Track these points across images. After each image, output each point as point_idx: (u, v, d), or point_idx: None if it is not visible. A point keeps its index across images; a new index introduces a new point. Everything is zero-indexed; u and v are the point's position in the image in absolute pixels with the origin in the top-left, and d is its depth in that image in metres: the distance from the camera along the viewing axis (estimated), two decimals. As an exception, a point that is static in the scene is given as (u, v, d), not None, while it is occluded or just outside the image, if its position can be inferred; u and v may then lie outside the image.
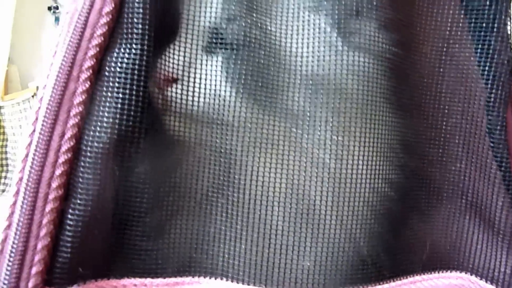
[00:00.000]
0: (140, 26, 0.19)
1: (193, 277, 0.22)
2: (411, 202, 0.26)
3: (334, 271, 0.23)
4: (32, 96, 1.29)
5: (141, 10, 0.19)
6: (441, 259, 0.25)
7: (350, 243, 0.23)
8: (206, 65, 0.22)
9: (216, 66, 0.22)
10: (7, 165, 1.56)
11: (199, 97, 0.22)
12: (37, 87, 1.30)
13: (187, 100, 0.21)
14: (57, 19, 2.01)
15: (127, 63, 0.19)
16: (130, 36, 0.19)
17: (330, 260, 0.23)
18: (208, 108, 0.22)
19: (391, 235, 0.25)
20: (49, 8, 1.99)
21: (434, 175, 0.25)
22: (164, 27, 0.21)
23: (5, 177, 1.54)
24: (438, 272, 0.25)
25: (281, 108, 0.22)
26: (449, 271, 0.25)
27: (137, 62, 0.19)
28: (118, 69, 0.19)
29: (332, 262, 0.23)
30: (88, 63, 0.19)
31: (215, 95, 0.22)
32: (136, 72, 0.19)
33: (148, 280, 0.21)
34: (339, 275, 0.23)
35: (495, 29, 0.23)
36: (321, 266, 0.22)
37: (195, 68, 0.22)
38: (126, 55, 0.19)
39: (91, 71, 0.19)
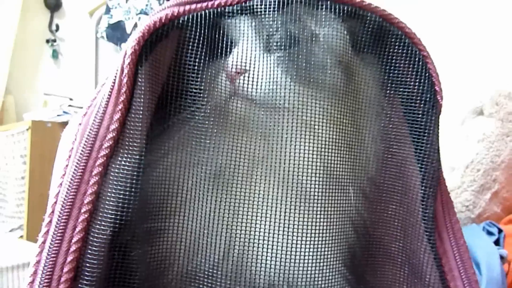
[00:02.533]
0: (138, 140, 0.24)
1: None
2: (365, 268, 0.31)
3: None
4: (27, 129, 1.33)
5: (139, 129, 0.24)
6: None
7: None
8: (266, 61, 0.28)
9: (274, 61, 0.28)
10: (-3, 194, 1.58)
11: (261, 84, 0.27)
12: (31, 121, 1.32)
13: (252, 87, 0.27)
14: (54, 51, 2.08)
15: (128, 169, 0.24)
16: (130, 148, 0.24)
17: None
18: (267, 93, 0.27)
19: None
20: (47, 41, 2.05)
21: (379, 250, 0.30)
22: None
23: (-4, 206, 1.56)
24: None
25: None
26: None
27: (136, 168, 0.24)
28: (120, 174, 0.24)
29: None
30: (97, 169, 0.24)
31: (272, 83, 0.27)
32: (134, 176, 0.24)
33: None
34: None
35: (427, 134, 0.29)
36: None
37: (258, 63, 0.27)
38: (128, 163, 0.24)
39: (99, 176, 0.24)
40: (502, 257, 0.69)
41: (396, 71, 0.29)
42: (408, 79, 0.28)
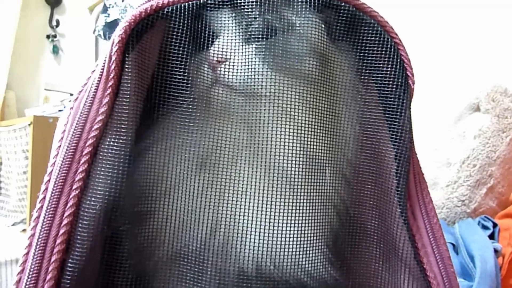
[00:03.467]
0: (125, 122, 0.26)
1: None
2: (345, 247, 0.33)
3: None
4: (29, 125, 1.35)
5: (126, 112, 0.26)
6: None
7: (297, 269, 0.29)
8: (245, 50, 0.29)
9: (252, 51, 0.29)
10: (0, 188, 1.61)
11: (240, 72, 0.29)
12: (33, 117, 1.34)
13: (232, 75, 0.29)
14: (55, 47, 2.10)
15: (116, 150, 0.26)
16: (118, 129, 0.26)
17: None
18: (246, 80, 0.29)
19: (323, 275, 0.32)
20: (48, 37, 2.07)
21: (356, 229, 0.32)
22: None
23: (-2, 201, 1.58)
24: None
25: None
26: None
27: (123, 148, 0.26)
28: (109, 154, 0.26)
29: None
30: (87, 149, 0.25)
31: (251, 71, 0.29)
32: (122, 156, 0.26)
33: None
34: None
35: (400, 116, 0.30)
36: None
37: (238, 53, 0.29)
38: (116, 144, 0.26)
39: (89, 155, 0.25)
40: (496, 251, 0.70)
41: (369, 58, 0.30)
42: (381, 65, 0.30)
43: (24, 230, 1.33)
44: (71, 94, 1.92)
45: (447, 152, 0.89)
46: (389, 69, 0.30)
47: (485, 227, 0.78)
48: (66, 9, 2.13)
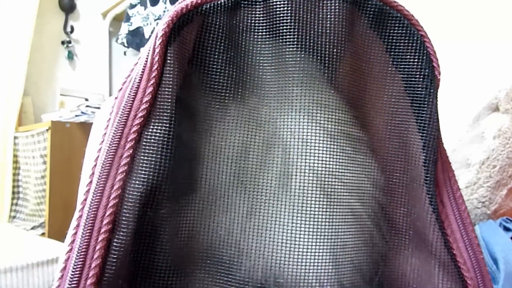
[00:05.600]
0: (168, 111, 0.28)
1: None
2: (374, 235, 0.34)
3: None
4: (47, 130, 1.38)
5: (169, 101, 0.28)
6: (390, 282, 0.33)
7: (336, 269, 0.31)
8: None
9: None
10: (18, 192, 1.64)
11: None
12: (51, 122, 1.36)
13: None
14: (69, 53, 2.14)
15: (158, 136, 0.27)
16: (161, 117, 0.27)
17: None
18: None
19: (358, 260, 0.33)
20: (63, 43, 2.11)
21: (386, 218, 0.33)
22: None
23: (16, 204, 1.61)
24: None
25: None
26: None
27: (165, 135, 0.27)
28: (152, 141, 0.27)
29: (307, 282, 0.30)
30: (132, 136, 0.27)
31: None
32: (164, 142, 0.27)
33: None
34: None
35: (427, 106, 0.31)
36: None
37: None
38: (158, 131, 0.27)
39: (133, 141, 0.27)
40: None
41: (397, 50, 0.31)
42: (408, 57, 0.31)
43: (43, 234, 1.35)
44: (86, 99, 1.96)
45: (466, 153, 0.89)
46: (416, 60, 0.31)
47: (507, 229, 0.77)
48: (80, 15, 2.17)
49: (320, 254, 0.30)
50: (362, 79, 0.32)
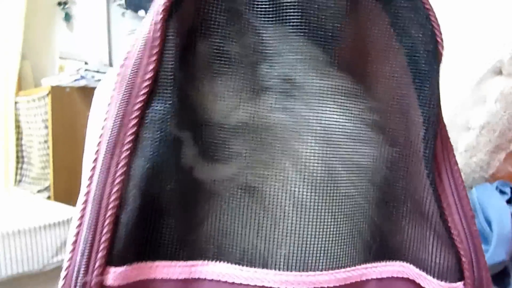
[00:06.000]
0: (170, 88, 0.28)
1: (203, 260, 0.31)
2: (374, 206, 0.35)
3: (312, 255, 0.31)
4: (47, 95, 1.37)
5: (171, 76, 0.27)
6: (387, 251, 0.34)
7: (327, 235, 0.32)
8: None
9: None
10: (22, 157, 1.65)
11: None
12: (51, 87, 1.36)
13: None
14: (67, 14, 2.09)
15: (161, 114, 0.28)
16: (163, 95, 0.28)
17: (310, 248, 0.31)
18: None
19: (357, 230, 0.34)
20: (59, 4, 2.06)
21: (385, 188, 0.34)
22: None
23: (21, 168, 1.63)
24: (385, 261, 0.34)
25: None
26: (393, 261, 0.34)
27: (167, 112, 0.28)
28: (155, 118, 0.27)
29: (312, 250, 0.31)
30: (135, 113, 0.27)
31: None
32: (167, 119, 0.28)
33: (173, 262, 0.30)
34: (319, 258, 0.31)
35: (429, 81, 0.31)
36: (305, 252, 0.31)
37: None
38: (161, 108, 0.27)
39: (137, 119, 0.27)
40: None
41: (401, 24, 0.31)
42: (413, 32, 0.31)
43: (49, 197, 1.38)
44: (86, 63, 1.93)
45: (466, 117, 0.89)
46: (420, 35, 0.30)
47: (502, 192, 0.79)
48: (76, -26, 2.11)
49: (324, 224, 0.31)
50: (365, 52, 0.32)
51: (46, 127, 1.39)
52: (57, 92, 1.38)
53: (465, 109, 0.92)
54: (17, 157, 1.60)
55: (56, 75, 1.75)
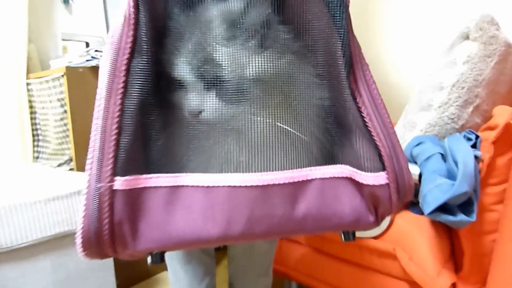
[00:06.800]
0: (146, 46, 0.39)
1: (186, 173, 0.42)
2: (315, 123, 0.45)
3: (266, 161, 0.42)
4: (62, 76, 1.47)
5: (146, 39, 0.39)
6: (328, 158, 0.44)
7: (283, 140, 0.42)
8: None
9: None
10: (37, 135, 1.76)
11: None
12: (65, 67, 1.43)
13: None
14: (65, -3, 2.16)
15: (142, 65, 0.39)
16: (142, 51, 0.39)
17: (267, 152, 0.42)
18: None
19: (302, 143, 0.44)
20: (57, -13, 2.12)
21: (322, 108, 0.45)
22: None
23: (37, 146, 1.74)
24: (327, 165, 0.43)
25: None
26: (334, 164, 0.44)
27: (146, 64, 0.39)
28: (137, 69, 0.39)
29: (265, 157, 0.42)
30: (123, 67, 0.39)
31: None
32: (146, 70, 0.39)
33: (163, 175, 0.41)
34: (271, 163, 0.42)
35: (341, 18, 0.43)
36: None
37: None
38: (141, 61, 0.39)
39: (125, 71, 0.39)
40: (476, 157, 0.81)
41: None
42: None
43: (71, 169, 1.49)
44: (87, 43, 2.02)
45: (440, 77, 0.98)
46: None
47: (469, 139, 0.89)
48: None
49: (275, 138, 0.42)
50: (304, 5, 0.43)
51: (62, 105, 1.48)
52: (71, 73, 1.48)
53: (439, 71, 1.00)
54: (33, 135, 1.70)
55: (61, 57, 1.84)
